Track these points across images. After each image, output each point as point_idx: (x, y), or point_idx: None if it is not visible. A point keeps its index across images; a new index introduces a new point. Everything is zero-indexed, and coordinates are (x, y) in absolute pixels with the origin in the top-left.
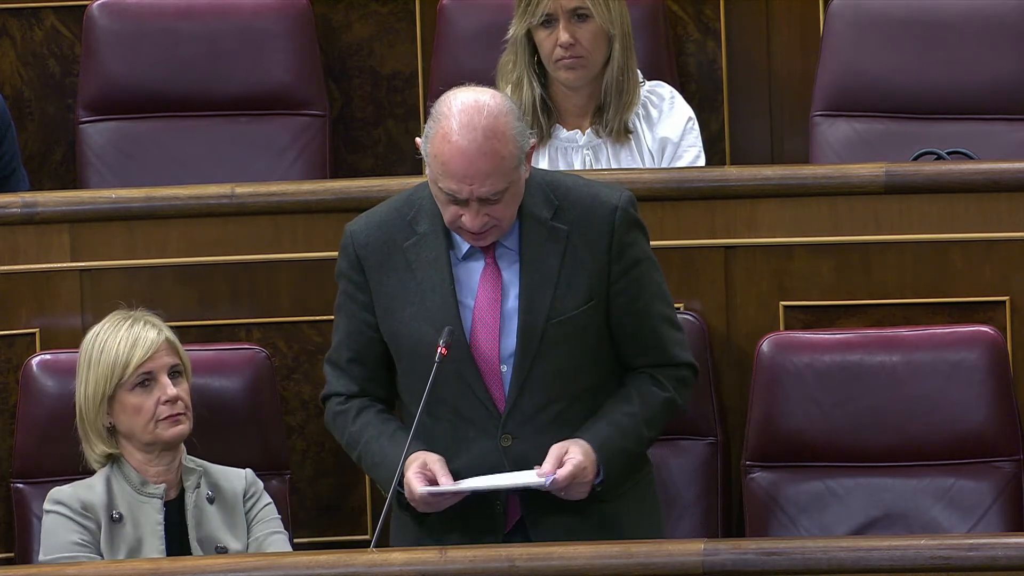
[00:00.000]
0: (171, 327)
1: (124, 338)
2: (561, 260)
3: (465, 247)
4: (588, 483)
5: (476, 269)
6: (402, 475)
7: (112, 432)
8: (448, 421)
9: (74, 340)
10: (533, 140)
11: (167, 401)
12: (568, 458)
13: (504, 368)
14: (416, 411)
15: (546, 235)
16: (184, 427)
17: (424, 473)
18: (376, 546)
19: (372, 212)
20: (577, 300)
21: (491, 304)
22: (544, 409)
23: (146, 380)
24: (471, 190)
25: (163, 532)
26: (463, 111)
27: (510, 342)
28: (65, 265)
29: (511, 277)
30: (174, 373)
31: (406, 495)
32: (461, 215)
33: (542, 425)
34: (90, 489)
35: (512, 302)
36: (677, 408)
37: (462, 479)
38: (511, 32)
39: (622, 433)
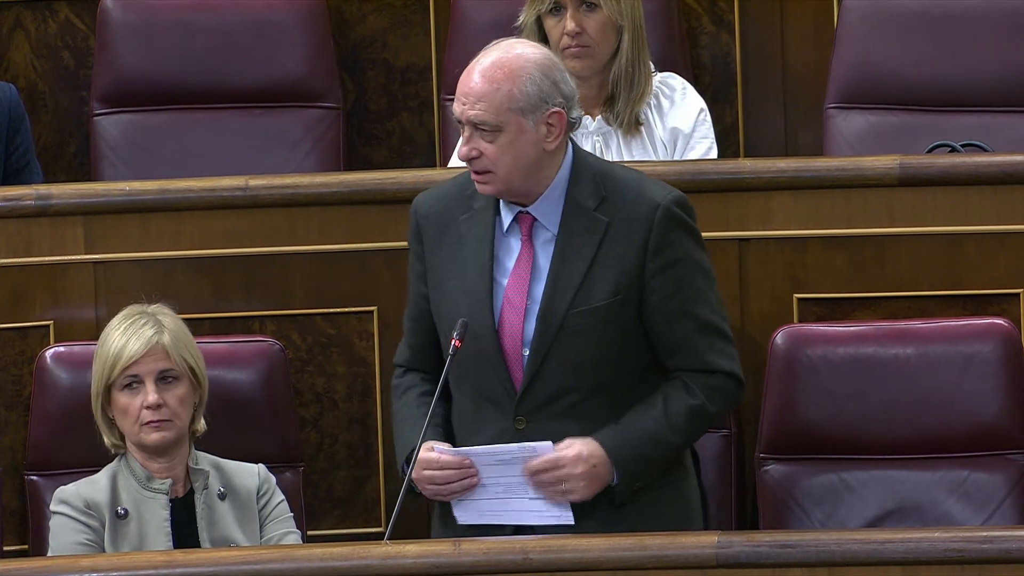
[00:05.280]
0: (184, 319)
1: (120, 337)
2: (596, 251)
3: (507, 221)
4: (584, 480)
5: (515, 248)
6: (412, 462)
7: (114, 425)
8: (471, 398)
9: (88, 332)
10: (557, 109)
11: (148, 407)
12: (558, 448)
13: (526, 351)
14: (453, 387)
15: (586, 224)
16: (166, 434)
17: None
18: (390, 539)
19: (441, 185)
20: (603, 292)
21: (520, 285)
22: (559, 397)
23: (133, 383)
24: (462, 110)
25: (170, 529)
26: (497, 45)
27: (533, 326)
28: (79, 257)
29: (546, 261)
30: (165, 378)
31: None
32: (460, 145)
33: (556, 413)
34: (94, 486)
35: (541, 286)
36: (707, 416)
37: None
38: (521, 19)
39: (643, 437)
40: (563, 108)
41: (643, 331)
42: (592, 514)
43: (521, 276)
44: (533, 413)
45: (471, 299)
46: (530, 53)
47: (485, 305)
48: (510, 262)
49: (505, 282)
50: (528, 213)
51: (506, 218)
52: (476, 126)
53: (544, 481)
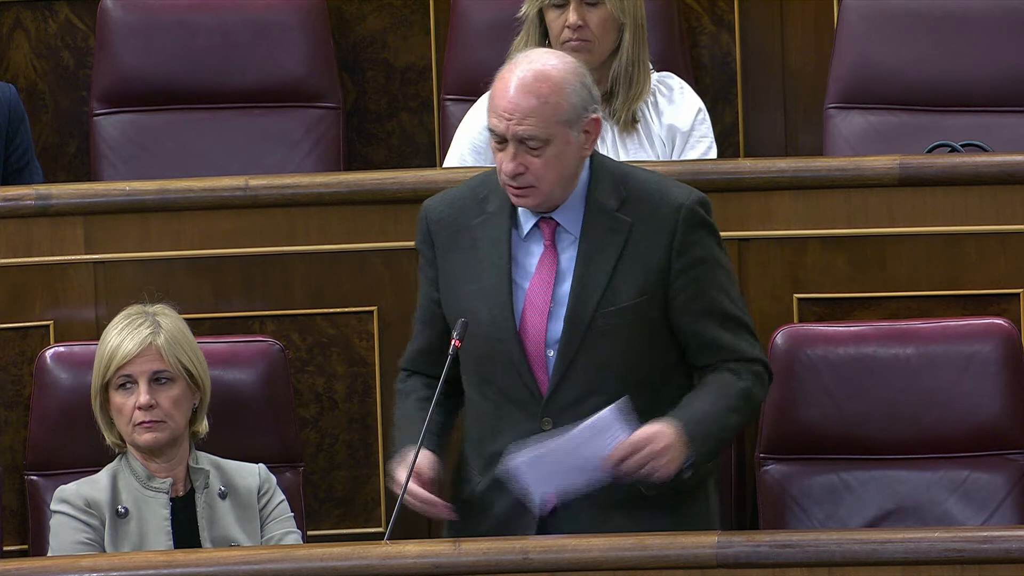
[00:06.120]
0: (185, 319)
1: (116, 337)
2: (620, 252)
3: (527, 226)
4: (668, 455)
5: (536, 252)
6: (409, 473)
7: (114, 424)
8: (494, 401)
9: (88, 332)
10: (595, 115)
11: (140, 408)
12: (641, 431)
13: (550, 353)
14: (471, 390)
15: (609, 225)
16: (158, 435)
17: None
18: (390, 539)
19: (450, 190)
20: (629, 293)
21: (543, 287)
22: (586, 398)
23: (127, 383)
24: (508, 125)
25: (170, 528)
26: (526, 58)
27: (558, 327)
28: (79, 257)
29: (568, 263)
30: (158, 379)
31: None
32: (503, 162)
33: (582, 414)
34: (95, 485)
35: (565, 288)
36: (755, 400)
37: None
38: (523, 10)
39: (709, 417)
40: (596, 113)
41: (668, 330)
42: (620, 511)
43: (544, 278)
44: (559, 414)
45: (489, 302)
46: (562, 63)
47: (506, 308)
48: (530, 265)
49: (526, 284)
50: (551, 218)
51: (526, 223)
52: (523, 141)
53: (630, 467)
